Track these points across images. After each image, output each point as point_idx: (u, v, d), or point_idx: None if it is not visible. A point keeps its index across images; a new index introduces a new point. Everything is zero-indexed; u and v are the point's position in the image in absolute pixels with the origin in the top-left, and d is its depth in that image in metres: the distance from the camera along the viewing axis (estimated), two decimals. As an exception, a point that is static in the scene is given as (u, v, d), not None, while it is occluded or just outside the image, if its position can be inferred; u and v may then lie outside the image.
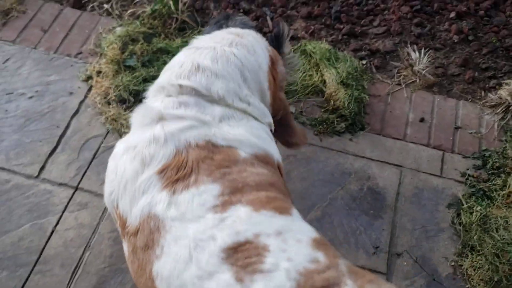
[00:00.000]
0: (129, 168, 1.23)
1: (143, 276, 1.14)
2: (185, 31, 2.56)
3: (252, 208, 1.13)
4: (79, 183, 2.11)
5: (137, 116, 1.33)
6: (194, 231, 1.09)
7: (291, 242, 1.08)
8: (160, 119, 1.28)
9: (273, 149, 1.42)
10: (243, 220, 1.10)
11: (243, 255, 1.04)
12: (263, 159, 1.32)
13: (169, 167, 1.20)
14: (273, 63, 1.57)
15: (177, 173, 1.19)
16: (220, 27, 2.03)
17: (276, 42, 1.77)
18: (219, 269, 1.03)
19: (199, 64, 1.38)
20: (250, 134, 1.35)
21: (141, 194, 1.19)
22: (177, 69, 1.39)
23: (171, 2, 2.46)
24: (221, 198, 1.15)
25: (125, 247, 1.24)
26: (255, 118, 1.43)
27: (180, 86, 1.34)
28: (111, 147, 1.38)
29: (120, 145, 1.31)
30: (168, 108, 1.30)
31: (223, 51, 1.43)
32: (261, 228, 1.09)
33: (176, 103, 1.32)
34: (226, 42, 1.48)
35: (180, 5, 2.53)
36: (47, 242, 1.97)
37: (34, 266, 1.92)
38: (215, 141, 1.26)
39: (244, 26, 2.05)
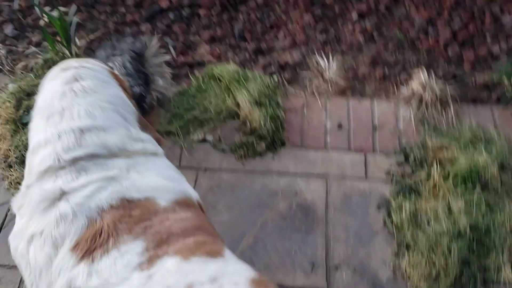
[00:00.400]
0: (41, 256, 1.13)
1: None
2: (85, 75, 2.45)
3: (180, 258, 1.06)
4: (-12, 258, 1.95)
5: (30, 203, 1.20)
6: None
7: (227, 287, 1.02)
8: (62, 195, 1.16)
9: (189, 188, 1.35)
10: (173, 273, 1.03)
11: None
12: (184, 202, 1.25)
13: (84, 239, 1.10)
14: (120, 82, 1.49)
15: (94, 243, 1.10)
16: (108, 56, 1.95)
17: (139, 58, 1.72)
18: None
19: (80, 127, 1.25)
20: (163, 177, 1.28)
21: (58, 275, 1.09)
22: (58, 142, 1.24)
23: (64, 49, 2.35)
24: (146, 254, 1.07)
25: None
26: (154, 154, 1.36)
27: (74, 158, 1.21)
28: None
29: (21, 238, 1.18)
30: (67, 183, 1.18)
31: (89, 103, 1.32)
32: (194, 277, 1.03)
33: (74, 173, 1.19)
34: (79, 91, 1.34)
35: (75, 49, 2.42)
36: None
37: None
38: (129, 196, 1.18)
39: (133, 48, 1.99)
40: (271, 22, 2.78)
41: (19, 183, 2.06)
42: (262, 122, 2.33)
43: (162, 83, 1.99)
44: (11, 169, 2.12)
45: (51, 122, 1.27)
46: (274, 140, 2.33)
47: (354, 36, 2.74)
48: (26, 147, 2.13)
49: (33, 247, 1.15)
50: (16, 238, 1.21)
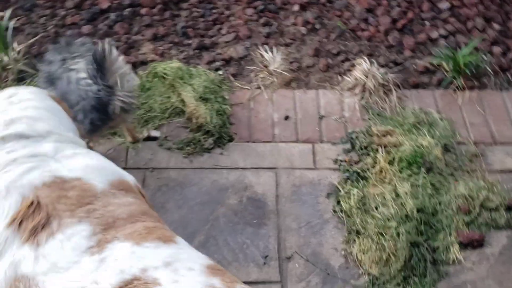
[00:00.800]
0: None
1: None
2: (24, 80, 2.38)
3: (132, 242, 1.06)
4: None
5: None
6: (72, 279, 0.99)
7: (182, 271, 1.02)
8: None
9: (123, 171, 1.35)
10: (126, 257, 1.03)
11: None
12: (122, 186, 1.25)
13: (20, 216, 1.08)
14: (61, 104, 1.51)
15: (33, 220, 1.07)
16: (63, 59, 1.90)
17: (98, 66, 1.71)
18: None
19: (10, 118, 1.28)
20: (93, 159, 1.29)
21: None
22: None
23: (2, 54, 2.27)
24: (95, 237, 1.06)
25: None
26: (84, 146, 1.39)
27: (2, 137, 1.23)
28: None
29: None
30: None
31: (24, 106, 1.34)
32: (147, 261, 1.02)
33: (3, 153, 1.20)
34: (16, 100, 1.37)
35: (14, 54, 2.34)
36: None
37: None
38: (61, 175, 1.18)
39: (84, 47, 1.94)
40: (214, 18, 2.77)
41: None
42: (208, 118, 2.31)
43: (128, 88, 1.93)
44: None
45: None
46: (222, 135, 2.32)
47: (297, 28, 2.76)
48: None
49: None
50: None
